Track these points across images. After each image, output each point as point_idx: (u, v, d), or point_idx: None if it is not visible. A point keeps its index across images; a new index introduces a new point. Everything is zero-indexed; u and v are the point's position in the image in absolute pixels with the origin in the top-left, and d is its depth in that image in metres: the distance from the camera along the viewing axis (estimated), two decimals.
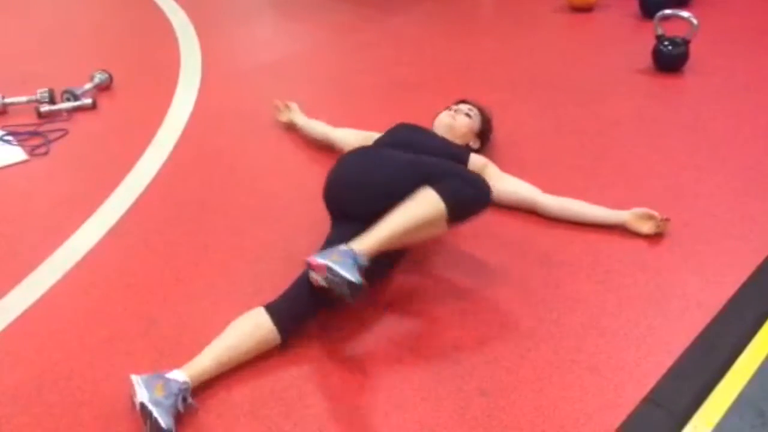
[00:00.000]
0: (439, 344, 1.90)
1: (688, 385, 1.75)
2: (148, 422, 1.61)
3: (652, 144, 2.88)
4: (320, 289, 1.85)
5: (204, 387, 1.78)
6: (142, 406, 1.63)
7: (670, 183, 2.59)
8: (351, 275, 1.74)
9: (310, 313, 1.94)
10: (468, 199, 1.95)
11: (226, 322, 1.91)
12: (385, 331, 1.96)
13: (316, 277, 1.82)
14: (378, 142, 2.40)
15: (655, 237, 2.28)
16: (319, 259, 1.79)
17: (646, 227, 2.29)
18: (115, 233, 2.45)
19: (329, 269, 1.75)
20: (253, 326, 1.86)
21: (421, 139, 2.39)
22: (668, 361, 1.80)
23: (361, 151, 2.22)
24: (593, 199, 2.39)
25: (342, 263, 1.76)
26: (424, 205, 1.89)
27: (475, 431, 1.64)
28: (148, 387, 1.66)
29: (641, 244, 2.26)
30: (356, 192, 2.07)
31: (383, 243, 1.87)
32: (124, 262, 2.31)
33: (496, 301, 2.04)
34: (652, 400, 1.70)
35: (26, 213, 2.61)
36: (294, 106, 3.13)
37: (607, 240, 2.28)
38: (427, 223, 1.89)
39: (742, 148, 2.82)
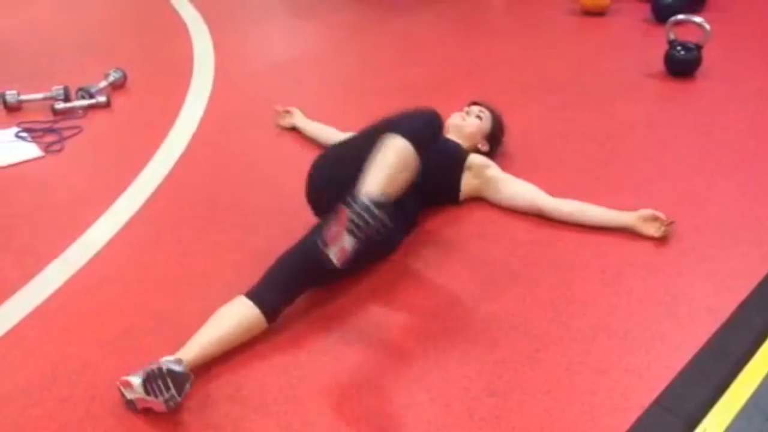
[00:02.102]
0: (447, 345, 1.91)
1: (697, 389, 1.75)
2: (160, 381, 1.63)
3: (663, 148, 2.88)
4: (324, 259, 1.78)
5: (214, 383, 1.79)
6: (147, 375, 1.64)
7: (681, 187, 2.60)
8: (369, 202, 1.71)
9: (293, 294, 1.97)
10: (424, 129, 2.04)
11: None
12: (394, 332, 1.97)
13: (335, 248, 1.75)
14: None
15: (666, 241, 2.28)
16: (333, 227, 1.75)
17: (652, 229, 2.29)
18: (128, 230, 2.47)
19: (351, 216, 1.70)
20: (237, 314, 1.89)
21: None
22: (677, 366, 1.81)
23: (329, 149, 2.36)
24: (603, 203, 2.39)
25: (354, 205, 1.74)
26: (393, 149, 1.93)
27: None
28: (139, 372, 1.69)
29: (652, 247, 2.27)
30: (334, 187, 2.06)
31: (382, 185, 1.86)
32: (137, 259, 2.33)
33: (506, 303, 2.05)
34: (660, 404, 1.70)
35: (41, 209, 2.63)
36: (296, 111, 3.12)
37: (617, 243, 2.29)
38: (403, 164, 1.93)
39: (753, 153, 2.82)
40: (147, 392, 1.66)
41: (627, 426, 1.65)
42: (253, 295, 1.92)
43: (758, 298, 2.05)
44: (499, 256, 2.26)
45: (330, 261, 1.77)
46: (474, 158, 2.51)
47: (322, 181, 2.22)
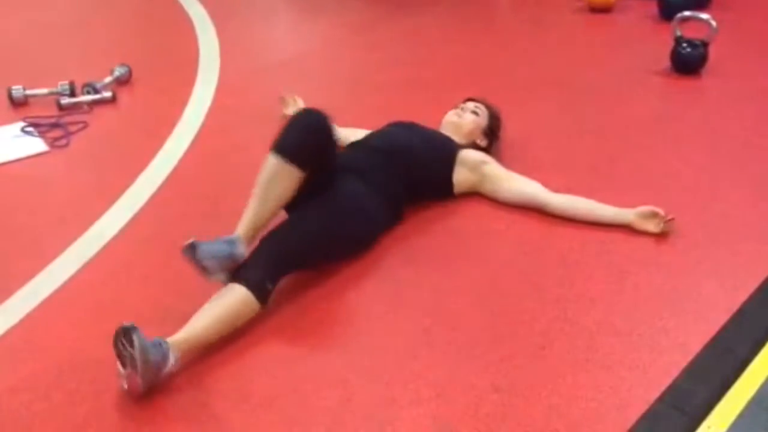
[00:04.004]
0: (453, 341, 1.91)
1: (702, 386, 1.75)
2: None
3: (669, 146, 2.88)
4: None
5: (221, 378, 1.80)
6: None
7: (687, 185, 2.59)
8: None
9: (279, 273, 2.01)
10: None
11: None
12: (399, 327, 1.97)
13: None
14: (363, 142, 2.50)
15: (672, 238, 2.27)
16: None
17: (652, 225, 2.29)
18: (134, 225, 2.48)
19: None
20: (228, 297, 1.91)
21: (406, 134, 2.49)
22: (682, 362, 1.80)
23: None
24: (609, 200, 2.39)
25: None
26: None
27: (489, 428, 1.64)
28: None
29: (657, 244, 2.26)
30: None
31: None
32: (143, 254, 2.33)
33: (511, 299, 2.05)
34: (665, 400, 1.70)
35: (46, 204, 2.64)
36: (300, 101, 3.12)
37: (622, 240, 2.28)
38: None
39: (759, 151, 2.81)
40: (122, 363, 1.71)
41: (632, 422, 1.65)
42: (240, 277, 1.95)
43: (764, 295, 2.05)
44: (504, 253, 2.26)
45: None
46: (468, 153, 2.50)
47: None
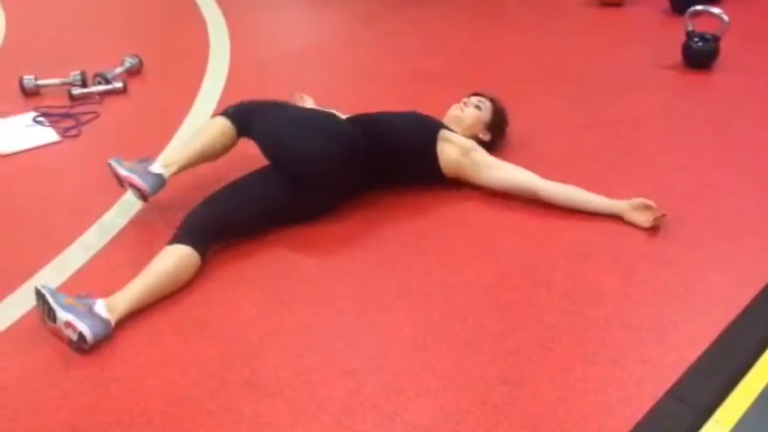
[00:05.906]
0: (461, 333, 1.91)
1: (710, 380, 1.75)
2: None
3: (678, 140, 2.87)
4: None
5: (230, 366, 1.81)
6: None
7: (696, 179, 2.58)
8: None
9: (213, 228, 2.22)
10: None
11: (250, 305, 1.95)
12: (408, 319, 1.98)
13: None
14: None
15: (681, 234, 2.27)
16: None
17: (642, 218, 2.28)
18: (143, 215, 2.49)
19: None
20: (168, 257, 2.09)
21: (383, 112, 2.56)
22: (691, 357, 1.81)
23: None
24: (617, 194, 2.38)
25: None
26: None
27: (496, 419, 1.65)
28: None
29: (666, 239, 2.26)
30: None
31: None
32: (152, 244, 2.33)
33: (519, 293, 2.05)
34: (674, 394, 1.70)
35: (57, 193, 2.65)
36: (309, 99, 3.13)
37: (631, 234, 2.28)
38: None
39: None
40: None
41: (640, 416, 1.65)
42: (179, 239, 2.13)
43: None
44: (512, 245, 2.26)
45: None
46: (454, 133, 2.51)
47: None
